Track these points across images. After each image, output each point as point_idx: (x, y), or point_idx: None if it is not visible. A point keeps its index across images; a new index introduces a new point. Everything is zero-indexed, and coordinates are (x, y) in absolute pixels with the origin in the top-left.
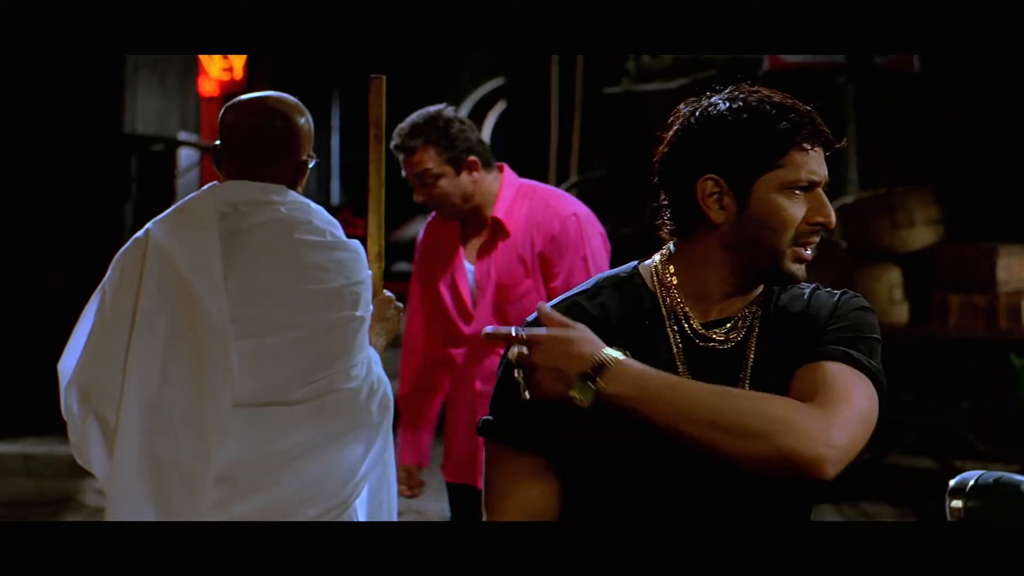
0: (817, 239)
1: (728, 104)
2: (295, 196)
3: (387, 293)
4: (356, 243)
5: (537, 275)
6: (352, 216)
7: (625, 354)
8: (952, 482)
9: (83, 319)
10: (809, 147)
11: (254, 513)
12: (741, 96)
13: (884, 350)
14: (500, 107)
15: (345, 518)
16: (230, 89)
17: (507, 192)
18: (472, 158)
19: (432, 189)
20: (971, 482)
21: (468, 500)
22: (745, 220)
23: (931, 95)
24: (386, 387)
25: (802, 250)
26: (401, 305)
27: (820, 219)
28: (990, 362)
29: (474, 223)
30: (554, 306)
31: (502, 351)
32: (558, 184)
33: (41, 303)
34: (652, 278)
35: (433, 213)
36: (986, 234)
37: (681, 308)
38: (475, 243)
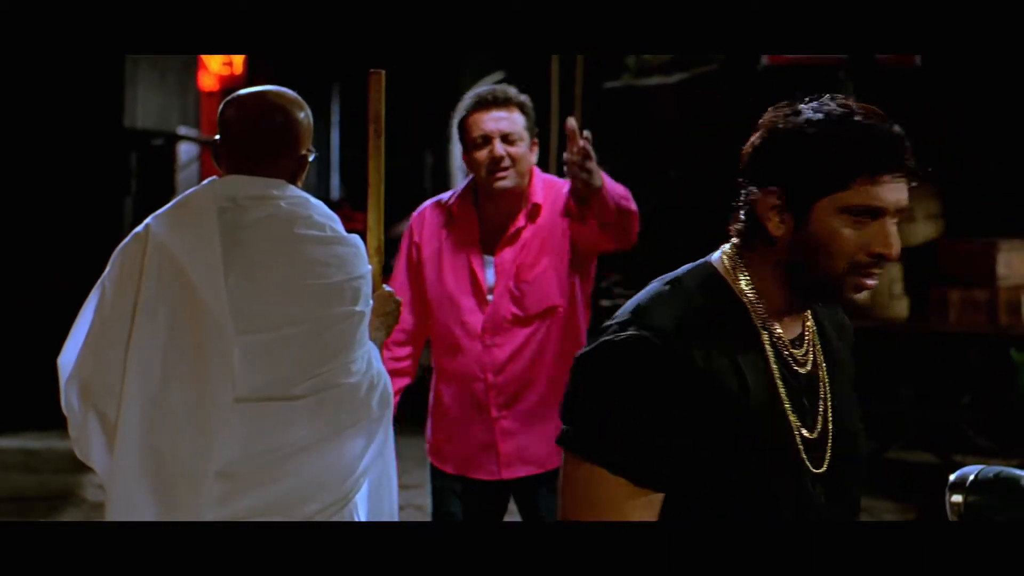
0: (880, 269)
1: (810, 116)
2: (295, 191)
3: (387, 288)
4: (356, 238)
5: (554, 254)
6: (352, 211)
7: None
8: (952, 477)
9: (83, 314)
10: (882, 178)
11: (255, 508)
12: (827, 109)
13: (884, 345)
14: None
15: (346, 513)
16: (230, 84)
17: (538, 181)
18: (536, 140)
19: (512, 147)
20: (971, 477)
21: (468, 491)
22: (801, 239)
23: (932, 90)
24: (386, 382)
25: (863, 279)
26: (400, 299)
27: (880, 250)
28: (990, 357)
29: (497, 212)
30: (648, 291)
31: (519, 341)
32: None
33: (40, 297)
34: (732, 284)
35: (426, 205)
36: (986, 229)
37: (769, 323)
38: (496, 233)
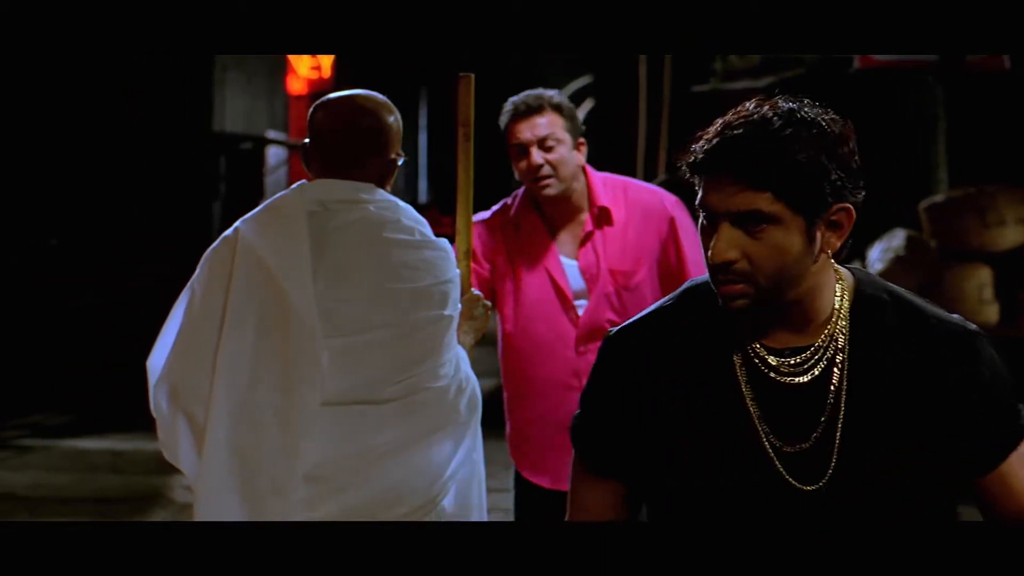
0: (729, 277)
1: None
2: (384, 195)
3: (475, 291)
4: (444, 241)
5: (652, 263)
6: (440, 214)
7: None
8: None
9: (172, 317)
10: (704, 177)
11: (342, 512)
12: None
13: None
14: (588, 105)
15: (433, 517)
16: (318, 87)
17: (597, 182)
18: (583, 140)
19: (550, 154)
20: None
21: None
22: None
23: (1022, 93)
24: (474, 385)
25: (722, 288)
26: (489, 303)
27: (708, 254)
28: None
29: (561, 215)
30: (632, 321)
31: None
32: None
33: (130, 300)
34: None
35: (488, 213)
36: None
37: (745, 331)
38: (568, 236)
